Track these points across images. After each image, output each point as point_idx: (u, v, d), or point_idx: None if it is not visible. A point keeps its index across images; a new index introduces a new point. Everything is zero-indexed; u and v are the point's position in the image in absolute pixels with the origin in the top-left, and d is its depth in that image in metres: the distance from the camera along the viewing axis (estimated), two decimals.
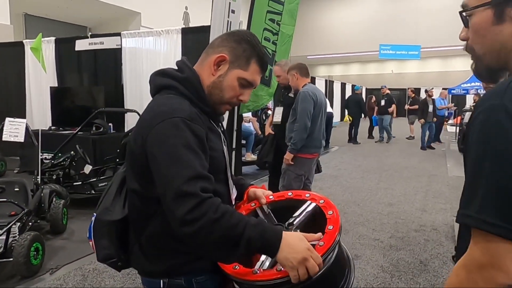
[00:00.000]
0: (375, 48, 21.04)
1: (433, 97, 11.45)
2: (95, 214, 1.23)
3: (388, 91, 12.64)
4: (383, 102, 12.44)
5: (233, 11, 4.94)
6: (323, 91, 16.40)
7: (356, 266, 3.39)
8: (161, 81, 1.22)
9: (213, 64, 1.20)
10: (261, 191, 1.37)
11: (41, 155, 6.02)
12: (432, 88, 11.95)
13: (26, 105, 8.10)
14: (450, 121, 16.22)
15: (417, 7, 22.75)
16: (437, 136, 12.43)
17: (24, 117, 7.82)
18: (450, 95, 17.35)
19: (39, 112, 7.90)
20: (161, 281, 1.17)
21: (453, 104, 16.37)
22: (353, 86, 16.38)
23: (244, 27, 5.37)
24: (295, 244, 1.00)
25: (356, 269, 3.35)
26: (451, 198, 5.69)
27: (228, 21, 4.99)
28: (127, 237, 1.23)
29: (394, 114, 12.88)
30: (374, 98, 14.81)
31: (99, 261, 1.23)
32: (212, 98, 1.22)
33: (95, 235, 1.21)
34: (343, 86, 20.14)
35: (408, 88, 18.29)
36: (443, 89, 14.02)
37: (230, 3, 4.93)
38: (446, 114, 14.15)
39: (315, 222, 1.22)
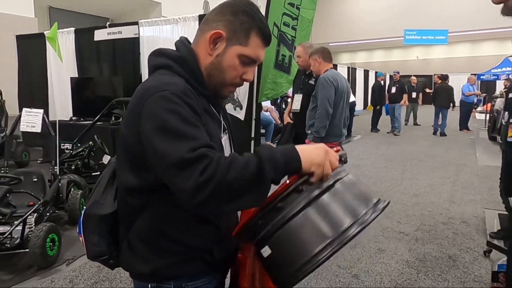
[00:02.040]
0: (400, 33, 20.34)
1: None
2: (85, 207, 1.14)
3: (399, 77, 11.72)
4: (393, 90, 11.49)
5: None
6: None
7: (379, 261, 3.25)
8: (155, 61, 1.10)
9: (209, 42, 1.06)
10: None
11: (62, 145, 6.11)
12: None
13: (49, 96, 8.19)
14: (479, 108, 15.55)
15: None
16: (465, 124, 11.94)
17: (47, 107, 7.95)
18: (479, 81, 16.57)
19: (61, 103, 7.97)
20: (149, 285, 1.07)
21: (482, 91, 15.66)
22: (376, 73, 15.89)
23: (262, 12, 5.18)
24: (311, 148, 0.96)
25: (380, 264, 3.20)
26: (481, 189, 5.40)
27: None
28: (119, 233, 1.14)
29: (406, 103, 12.07)
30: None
31: (90, 259, 1.14)
32: (212, 80, 1.09)
33: (85, 231, 1.11)
34: (366, 73, 19.68)
35: (434, 75, 17.63)
36: (471, 74, 13.37)
37: None
38: (475, 101, 13.44)
39: None
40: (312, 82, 3.98)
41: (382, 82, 12.55)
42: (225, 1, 1.10)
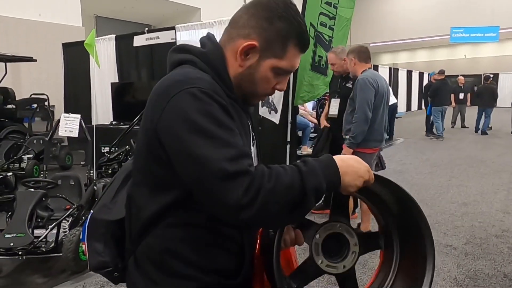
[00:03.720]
0: (446, 31, 19.45)
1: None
2: (91, 211, 1.04)
3: (434, 79, 10.85)
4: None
5: None
6: (387, 80, 15.47)
7: None
8: (176, 57, 0.98)
9: (240, 54, 0.94)
10: None
11: (102, 149, 6.27)
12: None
13: (91, 101, 8.49)
14: None
15: None
16: None
17: (90, 112, 8.26)
18: None
19: (103, 107, 8.24)
20: None
21: None
22: (428, 74, 14.98)
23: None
24: (354, 166, 0.89)
25: None
26: None
27: None
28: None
29: (453, 104, 11.50)
30: None
31: (91, 270, 1.03)
32: (242, 90, 0.98)
33: (89, 237, 1.01)
34: (409, 74, 18.89)
35: (483, 74, 16.60)
36: None
37: None
38: None
39: None
40: (349, 85, 3.79)
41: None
42: (257, 1, 0.95)
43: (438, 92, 10.29)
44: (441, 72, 10.51)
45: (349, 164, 0.88)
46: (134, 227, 0.98)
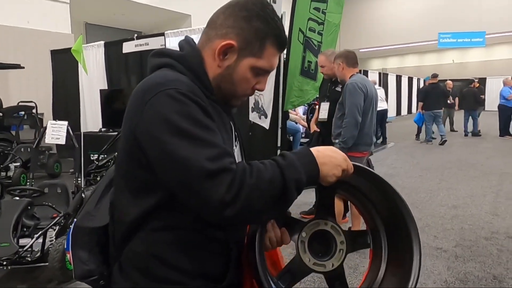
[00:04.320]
0: (433, 37, 19.69)
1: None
2: (75, 220, 1.02)
3: (428, 83, 10.94)
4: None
5: (274, 1, 4.66)
6: (377, 84, 15.59)
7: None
8: (156, 61, 0.98)
9: (218, 54, 0.94)
10: None
11: (92, 156, 6.19)
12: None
13: (80, 108, 8.42)
14: None
15: None
16: (507, 130, 11.25)
17: (79, 119, 8.18)
18: None
19: (92, 114, 8.16)
20: None
21: None
22: (409, 78, 15.12)
23: (287, 17, 5.06)
24: (331, 156, 0.90)
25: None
26: None
27: None
28: None
29: (422, 110, 10.85)
30: None
31: (77, 279, 1.01)
32: (221, 91, 0.97)
33: (73, 246, 0.99)
34: (398, 78, 19.10)
35: (475, 77, 16.79)
36: (511, 78, 12.60)
37: None
38: None
39: None
40: (339, 89, 3.81)
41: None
42: (234, 1, 0.96)
43: (427, 96, 10.41)
44: (434, 75, 10.62)
45: (326, 154, 0.89)
46: (117, 232, 0.97)
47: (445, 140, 10.18)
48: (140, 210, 0.91)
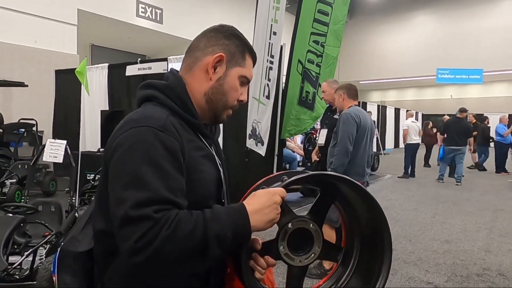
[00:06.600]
0: (432, 72, 20.10)
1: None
2: (62, 244, 1.06)
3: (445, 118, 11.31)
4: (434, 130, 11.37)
5: (274, 33, 4.83)
6: (375, 116, 15.77)
7: None
8: (142, 93, 1.07)
9: (211, 66, 1.05)
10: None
11: (88, 176, 6.20)
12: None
13: (80, 127, 8.49)
14: None
15: (478, 27, 21.40)
16: (503, 166, 11.31)
17: (78, 138, 8.24)
18: None
19: (91, 134, 8.23)
20: None
21: None
22: (407, 111, 15.28)
23: (287, 49, 5.23)
24: (260, 207, 0.91)
25: None
26: None
27: (269, 43, 4.89)
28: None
29: (440, 143, 10.41)
30: (431, 124, 13.84)
31: None
32: (213, 105, 1.07)
33: (59, 270, 1.02)
34: (396, 111, 19.35)
35: (469, 114, 17.00)
36: (510, 115, 12.75)
37: (272, 25, 4.83)
38: None
39: None
40: (336, 116, 3.89)
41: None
42: (211, 28, 1.12)
43: (447, 130, 9.44)
44: (462, 110, 9.48)
45: (259, 202, 0.93)
46: (99, 253, 1.00)
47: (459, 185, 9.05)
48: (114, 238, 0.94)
